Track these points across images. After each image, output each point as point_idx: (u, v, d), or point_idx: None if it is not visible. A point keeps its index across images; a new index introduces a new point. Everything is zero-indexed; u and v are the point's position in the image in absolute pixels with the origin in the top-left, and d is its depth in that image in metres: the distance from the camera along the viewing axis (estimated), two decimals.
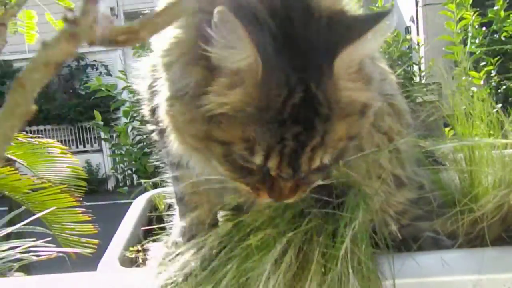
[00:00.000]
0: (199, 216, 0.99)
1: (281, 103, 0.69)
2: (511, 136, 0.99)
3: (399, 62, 3.20)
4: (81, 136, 11.36)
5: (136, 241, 1.21)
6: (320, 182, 0.81)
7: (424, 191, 1.03)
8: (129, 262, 1.13)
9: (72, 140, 11.26)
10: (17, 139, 1.90)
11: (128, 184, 4.90)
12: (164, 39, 0.80)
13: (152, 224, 1.28)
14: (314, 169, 0.75)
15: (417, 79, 3.37)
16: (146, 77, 0.95)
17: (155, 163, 1.09)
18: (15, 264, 1.36)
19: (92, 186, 10.39)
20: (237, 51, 0.67)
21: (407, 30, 12.46)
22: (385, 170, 0.98)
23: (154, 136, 1.01)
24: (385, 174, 0.98)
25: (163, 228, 1.18)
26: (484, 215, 0.91)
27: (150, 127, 1.02)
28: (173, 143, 0.84)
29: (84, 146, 11.33)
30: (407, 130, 1.06)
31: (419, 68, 3.55)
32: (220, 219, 1.06)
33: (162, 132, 0.95)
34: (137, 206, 1.38)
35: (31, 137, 2.02)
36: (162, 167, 1.11)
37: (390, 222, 1.00)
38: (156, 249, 1.01)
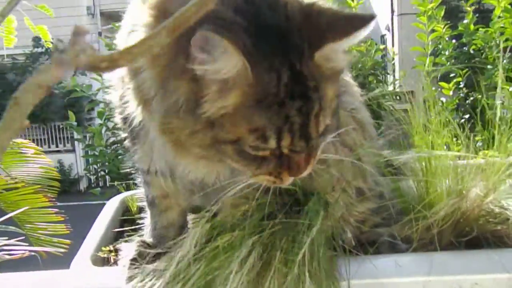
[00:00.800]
0: (169, 219, 1.03)
1: (274, 86, 0.73)
2: (465, 148, 1.07)
3: (372, 72, 3.29)
4: (53, 136, 11.19)
5: (108, 241, 1.25)
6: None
7: (384, 200, 1.10)
8: (101, 261, 1.16)
9: (45, 139, 11.07)
10: None
11: (101, 185, 4.87)
12: None
13: (125, 225, 1.32)
14: (321, 133, 0.81)
15: (390, 88, 3.49)
16: (117, 87, 0.99)
17: (127, 170, 1.13)
18: None
19: (64, 187, 10.24)
20: (224, 64, 0.71)
21: (382, 38, 12.67)
22: (348, 183, 1.04)
23: (127, 143, 1.05)
24: (347, 186, 1.04)
25: (135, 229, 1.22)
26: (436, 222, 0.98)
27: (123, 134, 1.06)
28: (173, 157, 0.87)
29: (57, 146, 11.15)
30: (370, 142, 1.13)
31: (394, 77, 3.67)
32: (190, 221, 1.11)
33: (134, 139, 0.99)
34: (110, 207, 1.41)
35: None
36: (134, 173, 1.15)
37: (351, 230, 1.07)
38: (127, 249, 1.04)
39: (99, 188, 3.08)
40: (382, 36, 12.61)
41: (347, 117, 1.08)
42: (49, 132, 11.17)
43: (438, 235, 1.03)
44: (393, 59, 3.66)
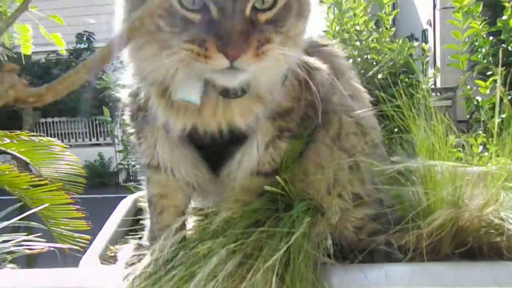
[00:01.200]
0: (165, 220, 1.06)
1: None
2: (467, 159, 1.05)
3: (404, 70, 3.21)
4: (94, 129, 11.54)
5: (118, 240, 1.29)
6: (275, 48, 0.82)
7: (383, 206, 1.09)
8: (109, 259, 1.21)
9: (86, 133, 11.45)
10: (20, 137, 2.01)
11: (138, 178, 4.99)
12: None
13: (137, 224, 1.36)
14: (259, 14, 0.78)
15: (424, 85, 3.40)
16: (128, 85, 1.04)
17: (133, 163, 1.17)
18: (8, 256, 1.46)
19: (104, 179, 10.58)
20: None
21: (424, 33, 12.31)
22: (344, 188, 1.04)
23: (133, 138, 1.09)
24: (343, 191, 1.04)
25: (143, 229, 1.26)
26: (430, 231, 0.97)
27: (130, 130, 1.10)
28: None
29: (97, 139, 11.51)
30: (373, 148, 1.12)
31: (427, 75, 3.56)
32: (191, 224, 1.14)
33: (139, 133, 1.04)
34: (123, 206, 1.46)
35: (33, 135, 2.13)
36: (140, 170, 1.19)
37: (348, 236, 1.07)
38: (124, 251, 1.08)
39: (132, 182, 3.17)
40: (424, 31, 12.25)
41: (348, 122, 1.08)
42: (90, 126, 11.53)
43: (437, 245, 1.01)
44: (427, 56, 3.54)
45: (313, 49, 1.16)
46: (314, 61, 1.02)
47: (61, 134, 11.46)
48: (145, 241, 1.12)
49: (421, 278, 0.91)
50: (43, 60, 11.45)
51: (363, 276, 0.94)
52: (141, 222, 1.23)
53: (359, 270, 0.95)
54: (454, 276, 0.92)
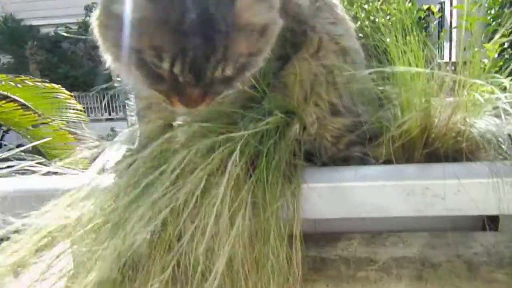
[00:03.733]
0: (151, 130, 1.14)
1: (179, 16, 0.79)
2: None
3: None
4: (107, 104, 11.66)
5: None
6: (227, 93, 0.93)
7: (360, 119, 1.15)
8: None
9: (98, 107, 11.59)
10: (25, 82, 2.07)
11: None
12: None
13: None
14: (217, 79, 0.87)
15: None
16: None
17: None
18: None
19: None
20: None
21: (442, 6, 12.02)
22: (322, 98, 1.10)
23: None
24: (320, 101, 1.10)
25: None
26: (402, 134, 1.03)
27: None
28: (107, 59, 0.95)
29: (110, 114, 11.65)
30: (352, 67, 1.17)
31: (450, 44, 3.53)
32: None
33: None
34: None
35: (38, 81, 2.19)
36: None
37: (328, 146, 1.13)
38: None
39: None
40: (441, 3, 11.97)
41: (328, 40, 1.13)
42: (102, 101, 11.64)
43: (409, 153, 1.07)
44: (436, 19, 3.50)
45: None
46: None
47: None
48: (135, 147, 1.20)
49: (388, 174, 0.97)
50: (52, 33, 11.49)
51: (335, 172, 1.00)
52: None
53: (332, 169, 1.02)
54: (418, 172, 0.98)
